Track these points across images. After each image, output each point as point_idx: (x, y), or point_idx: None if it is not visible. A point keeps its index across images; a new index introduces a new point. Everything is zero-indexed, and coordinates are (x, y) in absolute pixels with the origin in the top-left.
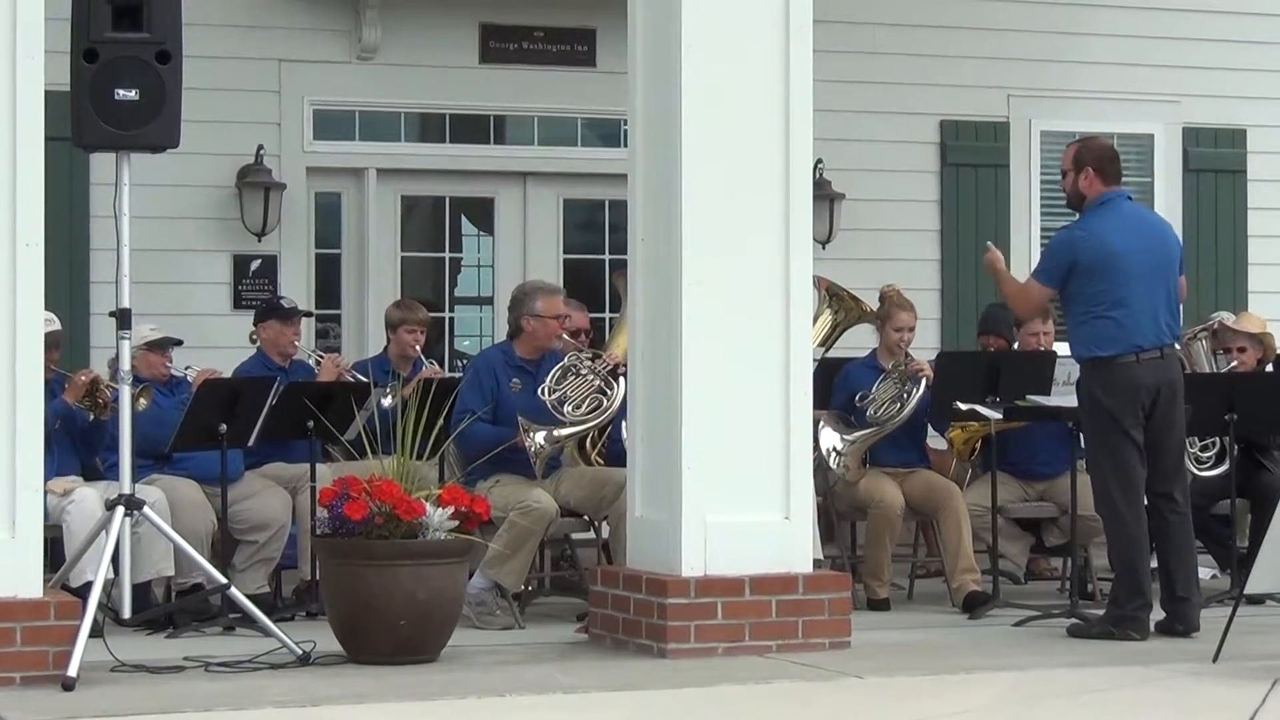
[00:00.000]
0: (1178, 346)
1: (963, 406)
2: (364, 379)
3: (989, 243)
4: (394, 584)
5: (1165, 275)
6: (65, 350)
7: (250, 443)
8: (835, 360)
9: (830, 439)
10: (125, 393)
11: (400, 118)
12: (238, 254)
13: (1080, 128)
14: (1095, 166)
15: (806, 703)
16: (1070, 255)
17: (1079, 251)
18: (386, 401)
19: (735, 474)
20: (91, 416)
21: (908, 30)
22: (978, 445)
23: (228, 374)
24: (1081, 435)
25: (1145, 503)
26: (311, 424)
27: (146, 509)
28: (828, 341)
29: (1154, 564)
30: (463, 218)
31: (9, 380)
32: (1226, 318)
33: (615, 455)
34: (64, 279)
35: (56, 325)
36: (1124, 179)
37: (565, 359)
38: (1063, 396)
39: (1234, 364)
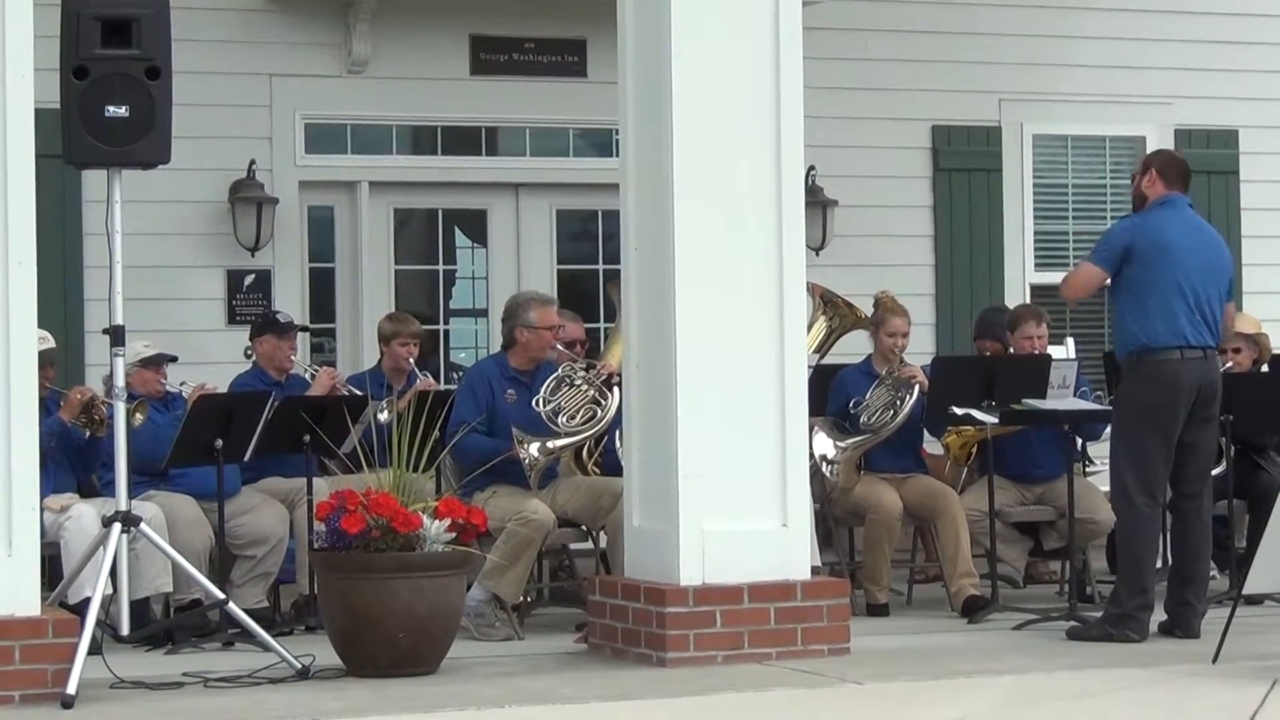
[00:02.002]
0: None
1: (959, 411)
2: (359, 392)
3: None
4: (392, 597)
5: (1216, 279)
6: (60, 368)
7: (246, 458)
8: (830, 367)
9: (823, 446)
10: (120, 409)
11: (392, 130)
12: (231, 269)
13: (1072, 131)
14: (1159, 169)
15: (807, 710)
16: (1127, 239)
17: (1136, 236)
18: (383, 416)
19: (732, 482)
20: (87, 434)
21: (898, 36)
22: (974, 450)
23: (223, 389)
24: (1078, 438)
25: (1164, 504)
26: (308, 438)
27: (144, 525)
28: (822, 348)
29: (1159, 565)
30: (456, 230)
31: (4, 398)
32: None
33: (612, 465)
34: (57, 296)
35: (51, 343)
36: (1117, 182)
37: (559, 370)
38: (1058, 400)
39: (1229, 365)
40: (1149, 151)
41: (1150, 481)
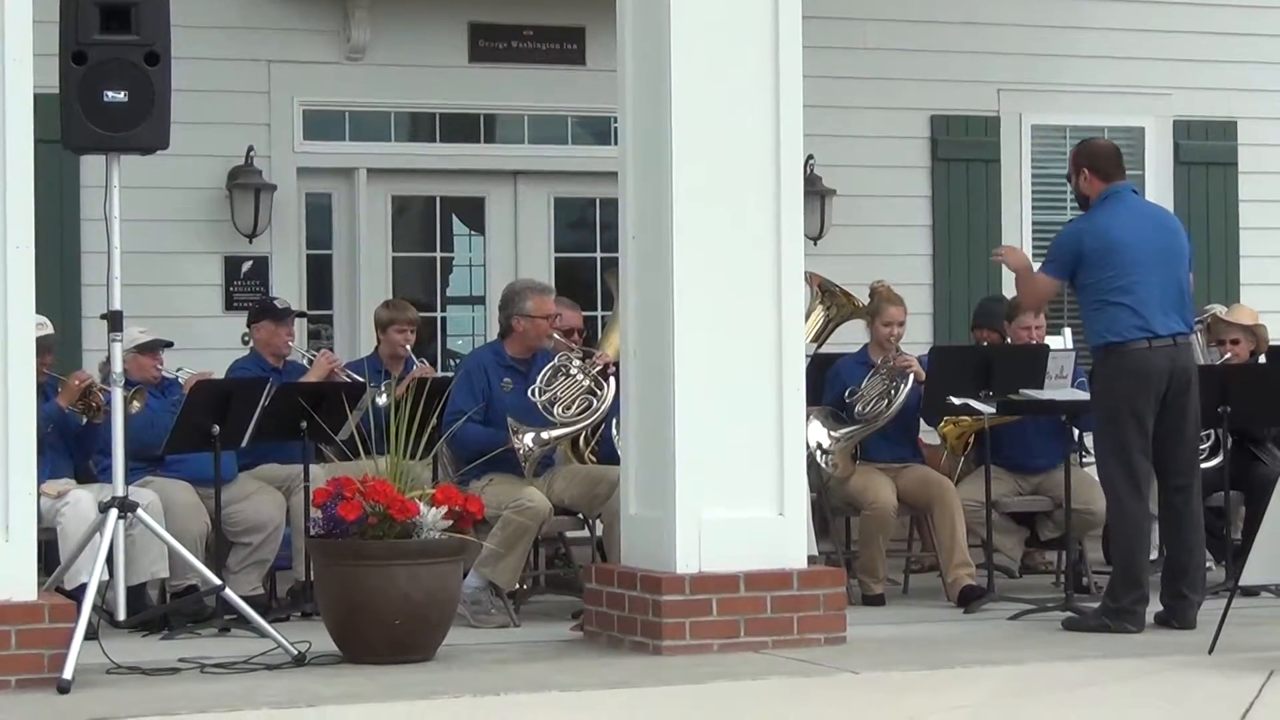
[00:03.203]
0: (1191, 336)
1: (956, 401)
2: (357, 377)
3: (999, 249)
4: (389, 584)
5: (1175, 264)
6: (57, 353)
7: (243, 444)
8: (827, 356)
9: (817, 435)
10: (117, 395)
11: (390, 117)
12: (229, 255)
13: (1071, 121)
14: (1090, 167)
15: (802, 698)
16: (1076, 247)
17: (1084, 242)
18: (382, 400)
19: (729, 470)
20: (84, 420)
21: (897, 25)
22: (971, 440)
23: (221, 375)
24: (1075, 428)
25: (1155, 495)
26: (305, 425)
27: (140, 511)
28: (820, 337)
29: (1153, 556)
30: (453, 217)
31: (1, 384)
32: (1219, 310)
33: (608, 453)
34: (55, 282)
35: (49, 329)
36: None
37: (555, 359)
38: (1056, 390)
39: (1227, 356)
40: (1077, 148)
41: (1132, 473)
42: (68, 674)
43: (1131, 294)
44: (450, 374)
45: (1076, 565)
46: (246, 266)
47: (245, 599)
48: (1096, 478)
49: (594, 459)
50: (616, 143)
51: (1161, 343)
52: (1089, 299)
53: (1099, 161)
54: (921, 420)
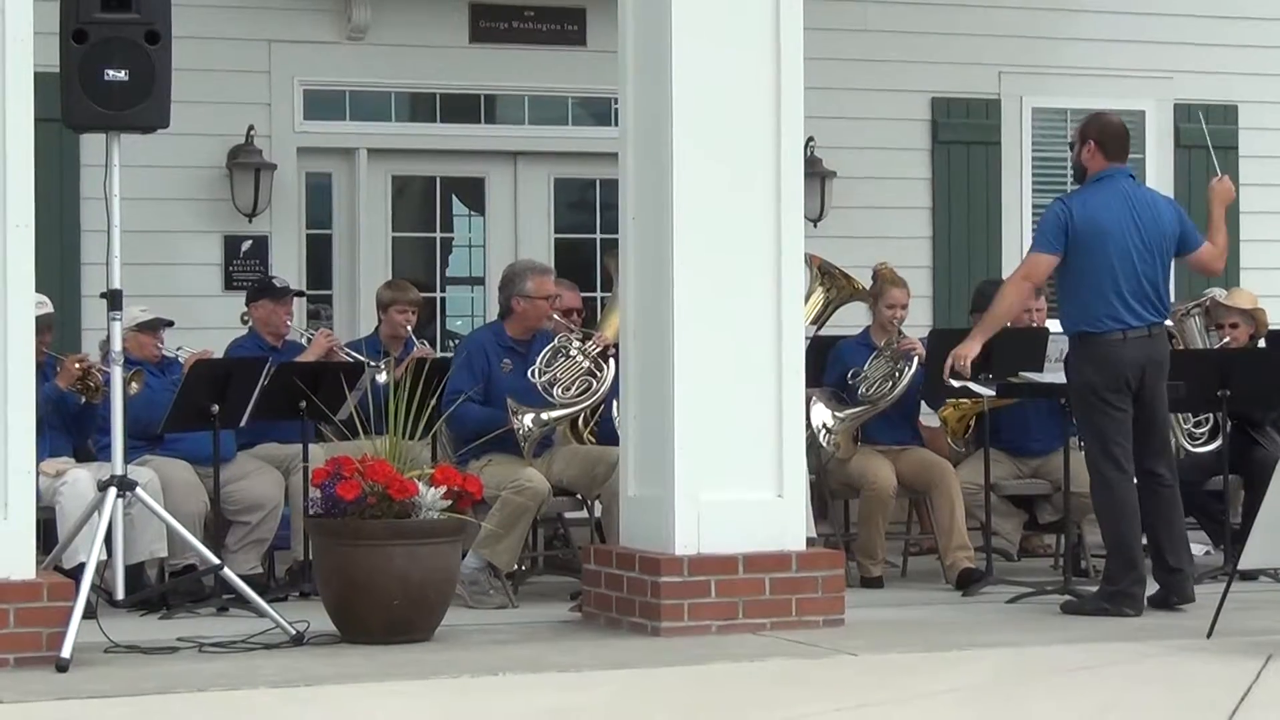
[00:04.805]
0: (1168, 323)
1: (955, 384)
2: (357, 356)
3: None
4: (387, 564)
5: (1157, 254)
6: (56, 332)
7: (242, 423)
8: (827, 338)
9: (821, 416)
10: (117, 374)
11: (391, 98)
12: (228, 235)
13: (1071, 104)
14: (1097, 140)
15: (800, 680)
16: (1063, 222)
17: (1071, 220)
18: (381, 377)
19: (728, 452)
20: (83, 400)
21: (898, 7)
22: (971, 424)
23: (220, 354)
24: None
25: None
26: (304, 404)
27: (139, 490)
28: (820, 319)
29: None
30: (453, 197)
31: (0, 363)
32: (1219, 294)
33: (608, 434)
34: (55, 261)
35: (49, 308)
36: None
37: (555, 340)
38: (1055, 373)
39: (1226, 340)
40: (1088, 119)
41: (1113, 454)
42: (66, 652)
43: (1109, 284)
44: (449, 354)
45: (1075, 548)
46: (246, 246)
47: (243, 578)
48: None
49: (593, 440)
50: (617, 124)
51: (1135, 334)
52: (1067, 284)
53: (1108, 139)
54: (921, 403)
